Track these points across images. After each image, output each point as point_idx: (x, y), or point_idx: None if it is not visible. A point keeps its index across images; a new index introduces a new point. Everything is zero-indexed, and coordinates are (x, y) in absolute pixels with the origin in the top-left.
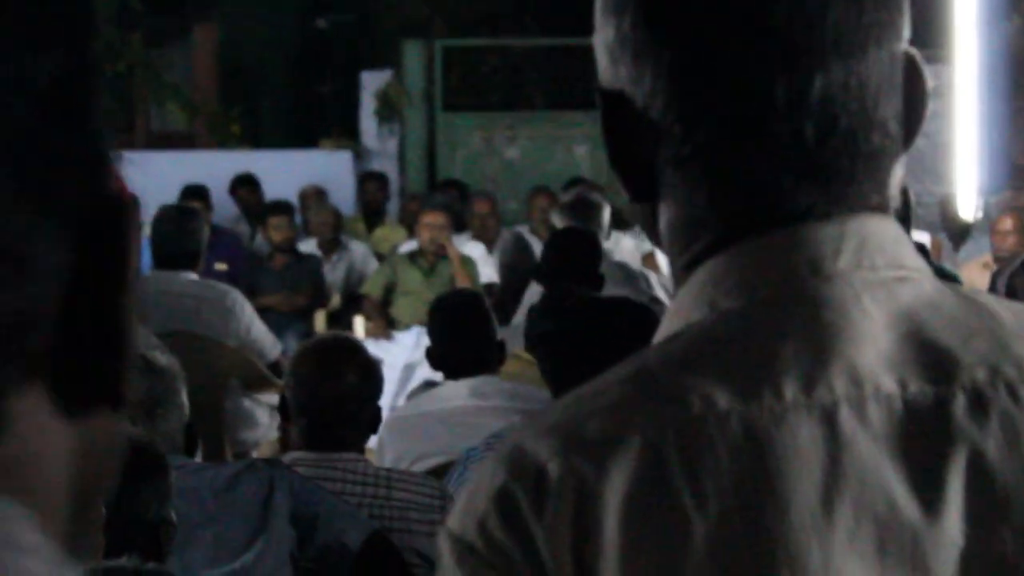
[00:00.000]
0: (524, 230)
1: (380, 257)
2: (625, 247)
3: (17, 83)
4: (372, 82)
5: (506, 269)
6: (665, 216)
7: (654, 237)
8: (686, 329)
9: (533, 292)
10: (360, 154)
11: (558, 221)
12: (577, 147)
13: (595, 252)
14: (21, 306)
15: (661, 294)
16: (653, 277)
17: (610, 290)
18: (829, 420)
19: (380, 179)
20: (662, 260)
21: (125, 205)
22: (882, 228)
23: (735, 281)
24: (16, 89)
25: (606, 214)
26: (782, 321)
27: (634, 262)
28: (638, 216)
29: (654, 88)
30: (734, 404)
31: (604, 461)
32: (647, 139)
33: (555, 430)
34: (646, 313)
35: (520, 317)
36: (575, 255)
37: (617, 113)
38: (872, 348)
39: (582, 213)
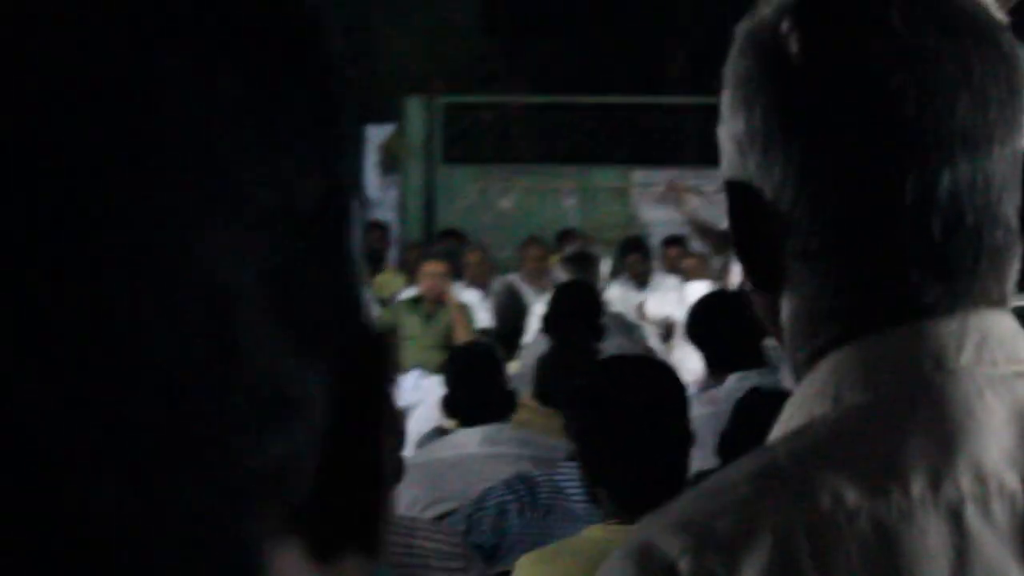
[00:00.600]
0: (516, 277)
1: (381, 303)
2: (615, 297)
3: (283, 208)
4: (376, 136)
5: (498, 315)
6: (788, 307)
7: (773, 327)
8: (811, 423)
9: (538, 343)
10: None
11: (561, 274)
12: (566, 199)
13: (597, 304)
14: (286, 455)
15: (655, 344)
16: (647, 328)
17: (610, 340)
18: (955, 518)
19: (381, 228)
20: (650, 310)
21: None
22: (1001, 323)
23: (860, 375)
24: (282, 215)
25: (604, 267)
26: (907, 416)
27: (627, 311)
28: (757, 304)
29: (783, 181)
30: (863, 501)
31: (735, 559)
32: (774, 231)
33: (685, 526)
34: (670, 371)
35: (522, 365)
36: (579, 307)
37: (744, 204)
38: (996, 445)
39: (583, 266)
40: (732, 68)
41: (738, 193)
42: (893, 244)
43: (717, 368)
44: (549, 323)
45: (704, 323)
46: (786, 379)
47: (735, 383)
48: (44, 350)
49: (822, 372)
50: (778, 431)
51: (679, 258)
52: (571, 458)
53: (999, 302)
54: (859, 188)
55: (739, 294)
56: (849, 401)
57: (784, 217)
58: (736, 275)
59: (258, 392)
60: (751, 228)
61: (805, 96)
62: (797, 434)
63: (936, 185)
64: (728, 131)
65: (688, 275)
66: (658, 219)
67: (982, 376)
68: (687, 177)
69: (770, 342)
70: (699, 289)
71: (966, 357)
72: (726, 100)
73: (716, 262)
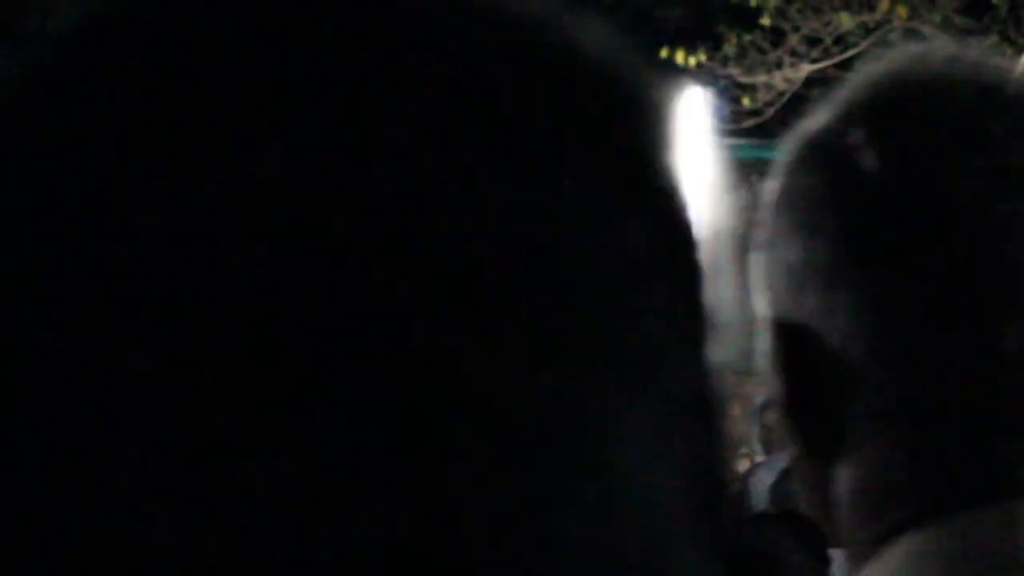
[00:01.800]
0: None
1: None
2: None
3: (695, 403)
4: None
5: None
6: (848, 477)
7: (821, 502)
8: None
9: None
10: None
11: None
12: None
13: None
14: None
15: None
16: None
17: None
18: None
19: None
20: None
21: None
22: None
23: (942, 566)
24: (697, 411)
25: None
26: None
27: None
28: (803, 472)
29: (852, 324)
30: None
31: None
32: (838, 385)
33: None
34: None
35: None
36: None
37: (798, 351)
38: None
39: None
40: (787, 182)
41: (790, 337)
42: (988, 405)
43: None
44: None
45: None
46: None
47: None
48: None
49: (891, 562)
50: None
51: None
52: None
53: None
54: (948, 335)
55: None
56: None
57: (851, 368)
58: None
59: None
60: (805, 380)
61: (883, 222)
62: None
63: None
64: (778, 260)
65: None
66: None
67: None
68: None
69: None
70: None
71: None
72: (777, 221)
73: None
